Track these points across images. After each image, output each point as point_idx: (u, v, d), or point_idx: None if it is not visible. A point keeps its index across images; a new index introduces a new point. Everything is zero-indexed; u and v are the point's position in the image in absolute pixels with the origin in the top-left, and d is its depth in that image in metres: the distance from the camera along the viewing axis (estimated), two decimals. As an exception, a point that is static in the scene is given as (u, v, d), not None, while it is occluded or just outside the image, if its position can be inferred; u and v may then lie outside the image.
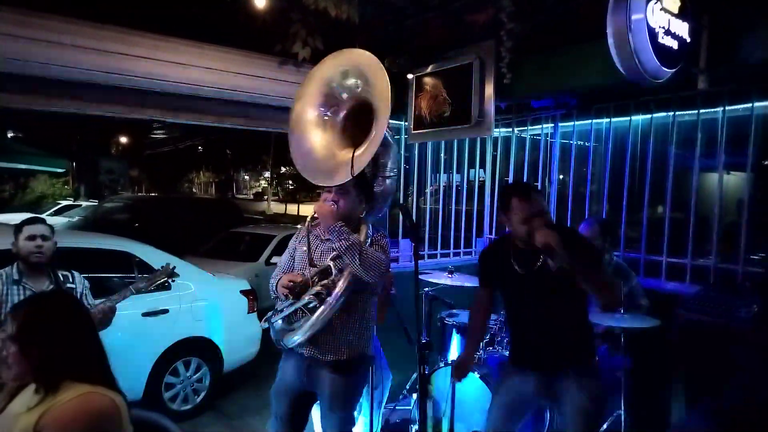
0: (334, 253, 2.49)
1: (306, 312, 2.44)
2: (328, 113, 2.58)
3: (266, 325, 2.60)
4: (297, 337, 2.47)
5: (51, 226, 2.96)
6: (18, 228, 2.88)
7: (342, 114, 2.59)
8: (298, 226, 2.83)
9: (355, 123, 2.56)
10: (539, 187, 2.60)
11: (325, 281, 2.46)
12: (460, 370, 2.86)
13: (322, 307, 2.42)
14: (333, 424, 2.60)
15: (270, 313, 2.59)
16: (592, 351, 2.68)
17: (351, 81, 2.53)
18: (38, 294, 2.46)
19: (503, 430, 2.66)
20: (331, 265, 2.49)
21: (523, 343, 2.70)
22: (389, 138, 2.64)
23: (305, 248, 2.61)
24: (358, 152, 2.44)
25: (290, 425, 2.67)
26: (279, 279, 2.57)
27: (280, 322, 2.52)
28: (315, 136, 2.59)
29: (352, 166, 2.39)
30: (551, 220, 2.52)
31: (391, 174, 2.73)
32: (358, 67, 2.49)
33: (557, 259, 2.29)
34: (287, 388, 2.64)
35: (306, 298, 2.43)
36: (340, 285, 2.45)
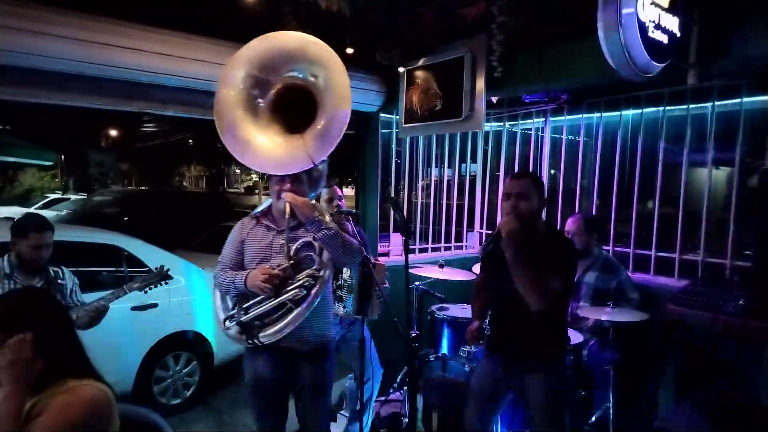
0: (302, 241, 2.48)
1: (290, 305, 2.41)
2: (258, 97, 2.47)
3: (233, 325, 2.49)
4: (277, 332, 2.41)
5: (52, 228, 2.93)
6: (22, 231, 2.83)
7: (270, 97, 2.48)
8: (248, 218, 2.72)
9: (288, 107, 2.49)
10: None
11: (310, 271, 2.44)
12: (470, 338, 2.91)
13: (311, 297, 2.42)
14: (319, 410, 2.62)
15: (232, 313, 2.51)
16: (561, 346, 2.72)
17: (289, 65, 2.44)
18: (14, 292, 2.43)
19: (480, 415, 2.73)
20: (313, 255, 2.48)
21: (497, 329, 2.77)
22: None
23: (263, 241, 2.56)
24: (308, 138, 2.39)
25: (273, 419, 2.66)
26: (245, 275, 2.46)
27: (249, 319, 2.46)
28: (248, 123, 2.46)
29: (308, 153, 2.34)
30: (530, 208, 2.53)
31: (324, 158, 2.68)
32: (299, 52, 2.42)
33: (504, 247, 2.40)
34: (266, 384, 2.60)
35: (293, 291, 2.40)
36: (324, 274, 2.46)
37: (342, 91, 2.39)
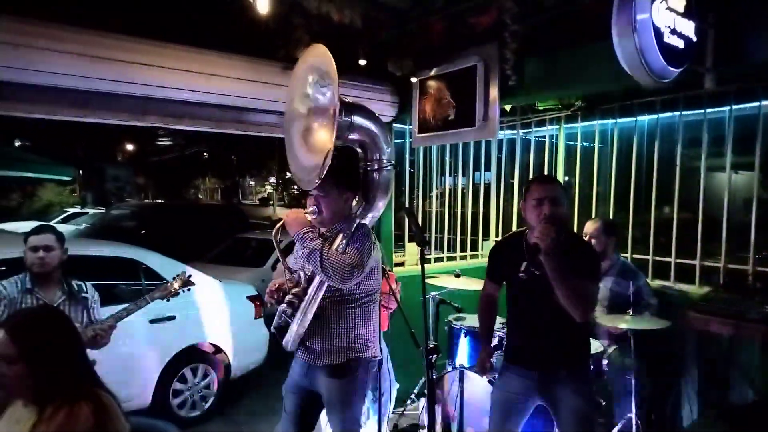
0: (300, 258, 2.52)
1: (287, 318, 2.50)
2: (314, 113, 2.45)
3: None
4: (286, 341, 2.53)
5: (59, 234, 2.92)
6: (25, 237, 2.86)
7: (306, 114, 2.48)
8: None
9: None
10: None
11: (296, 290, 2.48)
12: (482, 369, 2.89)
13: (298, 314, 2.46)
14: (335, 425, 2.61)
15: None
16: (587, 354, 2.67)
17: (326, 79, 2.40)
18: (30, 312, 2.44)
19: (503, 428, 2.65)
20: (301, 274, 2.51)
21: (520, 341, 2.70)
22: (379, 128, 2.56)
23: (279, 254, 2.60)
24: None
25: (298, 421, 2.69)
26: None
27: (274, 327, 2.60)
28: (299, 139, 2.50)
29: (322, 167, 2.30)
30: (563, 213, 2.48)
31: (387, 165, 2.63)
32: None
33: (545, 259, 2.30)
34: (294, 387, 2.69)
35: (281, 307, 2.49)
36: (311, 291, 2.46)
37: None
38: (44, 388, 1.61)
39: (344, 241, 2.45)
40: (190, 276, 3.21)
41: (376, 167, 2.61)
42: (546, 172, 5.16)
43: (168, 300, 3.15)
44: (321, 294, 2.47)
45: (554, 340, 2.52)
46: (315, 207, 2.48)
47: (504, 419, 2.65)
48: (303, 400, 2.68)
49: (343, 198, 2.55)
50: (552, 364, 2.53)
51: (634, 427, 3.33)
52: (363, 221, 2.61)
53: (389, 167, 2.65)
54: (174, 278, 3.18)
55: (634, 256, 4.36)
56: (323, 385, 2.57)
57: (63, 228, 14.14)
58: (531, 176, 5.28)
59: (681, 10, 2.67)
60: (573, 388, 2.49)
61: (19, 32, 2.70)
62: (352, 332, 2.57)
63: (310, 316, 2.47)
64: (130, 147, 29.55)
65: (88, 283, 3.06)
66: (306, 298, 2.47)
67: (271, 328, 2.62)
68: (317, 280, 2.46)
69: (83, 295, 2.98)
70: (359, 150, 2.62)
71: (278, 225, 2.48)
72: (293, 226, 2.44)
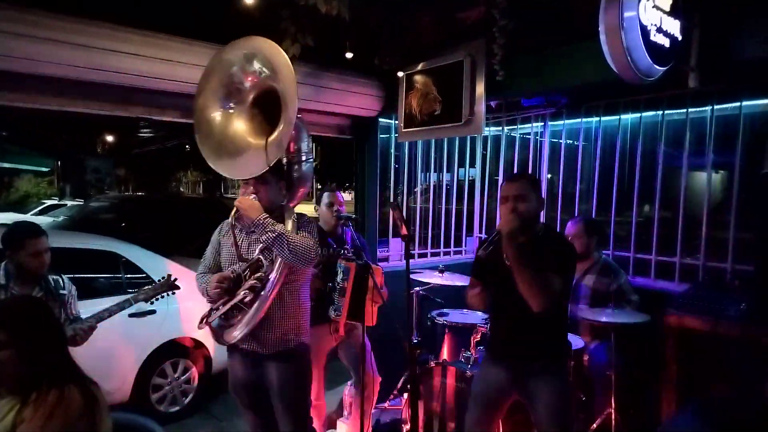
0: (262, 244, 2.48)
1: (243, 307, 2.45)
2: (233, 104, 2.53)
3: (203, 326, 2.59)
4: (237, 333, 2.48)
5: (45, 232, 2.85)
6: (18, 242, 2.74)
7: (247, 103, 2.54)
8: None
9: (263, 111, 2.53)
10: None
11: (258, 274, 2.46)
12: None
13: (259, 300, 2.43)
14: (290, 415, 2.60)
15: (206, 313, 2.59)
16: (563, 349, 2.69)
17: (254, 68, 2.48)
18: (13, 300, 2.39)
19: (482, 421, 2.68)
20: (262, 258, 2.48)
21: (498, 334, 2.73)
22: (300, 123, 2.64)
23: (231, 243, 2.57)
24: (270, 139, 2.41)
25: (259, 412, 2.71)
26: (209, 280, 2.56)
27: (217, 320, 2.53)
28: (223, 128, 2.53)
29: (266, 155, 2.35)
30: (529, 207, 2.48)
31: (308, 159, 2.73)
32: (259, 54, 2.46)
33: (505, 247, 2.34)
34: (242, 383, 2.67)
35: (241, 294, 2.43)
36: (273, 276, 2.46)
37: (294, 86, 2.37)
38: (32, 373, 1.62)
39: (294, 227, 2.54)
40: (175, 279, 3.17)
41: (303, 158, 2.71)
42: (530, 170, 5.19)
43: (152, 303, 3.12)
44: (281, 278, 2.48)
45: (527, 332, 2.54)
46: (254, 194, 2.51)
47: (481, 412, 2.68)
48: (256, 392, 2.68)
49: (278, 188, 2.61)
50: (525, 357, 2.56)
51: (613, 422, 3.38)
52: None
53: (310, 160, 2.76)
54: (160, 281, 3.15)
55: (616, 253, 4.40)
56: (274, 373, 2.56)
57: (41, 220, 13.91)
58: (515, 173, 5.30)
59: (667, 8, 2.69)
60: (546, 382, 2.51)
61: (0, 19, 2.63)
62: (298, 317, 2.62)
63: (268, 303, 2.46)
64: (110, 138, 29.10)
65: (65, 278, 3.00)
66: (268, 283, 2.45)
67: (207, 323, 2.56)
68: (278, 264, 2.46)
69: (61, 290, 2.92)
70: None
71: (233, 212, 2.53)
72: (251, 212, 2.45)
